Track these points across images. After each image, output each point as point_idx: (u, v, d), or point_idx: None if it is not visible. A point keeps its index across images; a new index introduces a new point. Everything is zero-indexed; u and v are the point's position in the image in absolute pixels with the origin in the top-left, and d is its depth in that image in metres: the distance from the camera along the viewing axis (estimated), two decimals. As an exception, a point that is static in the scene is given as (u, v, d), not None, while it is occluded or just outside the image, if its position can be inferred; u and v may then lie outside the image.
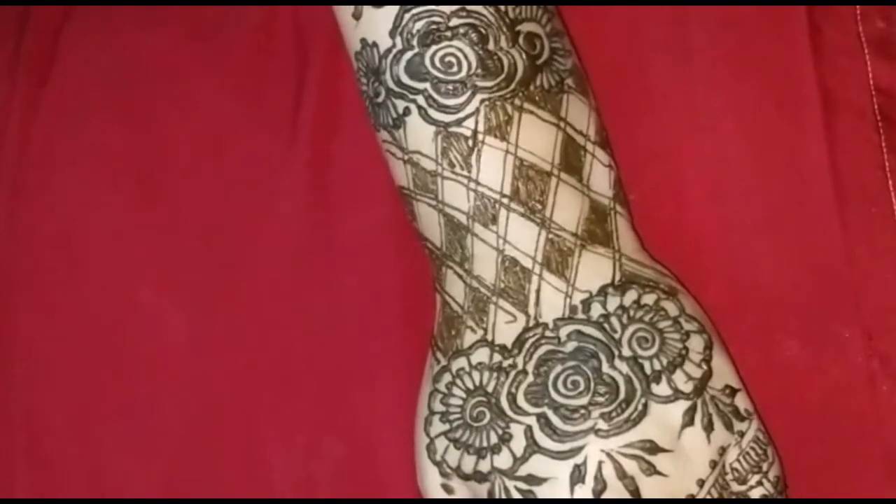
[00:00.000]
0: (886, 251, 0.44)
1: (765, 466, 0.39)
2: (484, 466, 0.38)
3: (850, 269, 0.44)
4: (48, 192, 0.48)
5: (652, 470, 0.37)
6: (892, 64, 0.46)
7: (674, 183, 0.46)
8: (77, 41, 0.49)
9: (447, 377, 0.40)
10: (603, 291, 0.39)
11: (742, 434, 0.39)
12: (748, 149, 0.46)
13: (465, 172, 0.39)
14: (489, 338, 0.39)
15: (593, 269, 0.39)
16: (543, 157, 0.39)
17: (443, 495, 0.40)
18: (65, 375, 0.47)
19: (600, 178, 0.41)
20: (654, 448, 0.37)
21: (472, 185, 0.39)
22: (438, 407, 0.39)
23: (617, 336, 0.38)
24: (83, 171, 0.48)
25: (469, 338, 0.39)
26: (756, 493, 0.39)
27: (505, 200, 0.39)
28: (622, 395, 0.37)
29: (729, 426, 0.38)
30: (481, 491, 0.39)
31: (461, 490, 0.40)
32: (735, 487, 0.39)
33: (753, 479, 0.39)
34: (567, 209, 0.39)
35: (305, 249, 0.47)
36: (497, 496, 0.38)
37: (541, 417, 0.37)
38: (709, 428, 0.38)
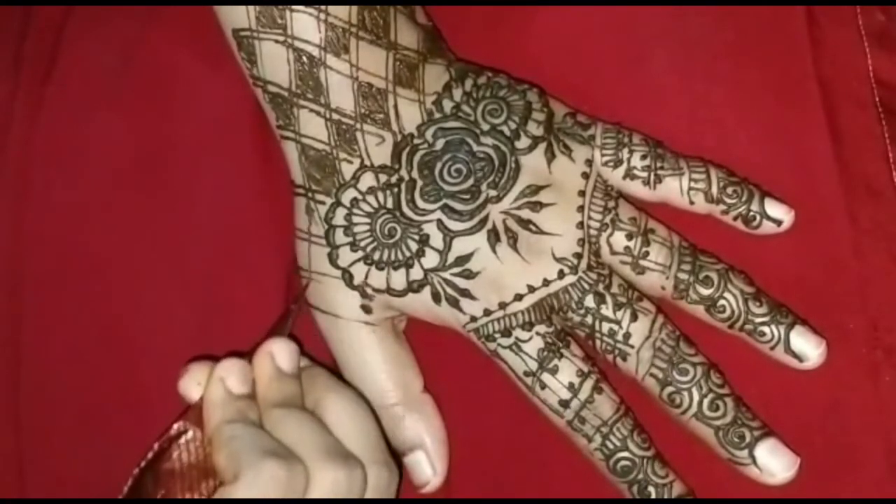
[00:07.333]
0: (892, 241, 0.45)
1: (625, 152, 0.44)
2: (416, 274, 0.43)
3: (856, 260, 0.44)
4: (53, 189, 0.48)
5: (540, 205, 0.43)
6: (892, 56, 0.47)
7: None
8: (79, 39, 0.49)
9: (342, 211, 0.43)
10: (447, 87, 0.44)
11: (593, 137, 0.44)
12: (750, 141, 0.46)
13: (314, 5, 0.42)
14: (367, 163, 0.43)
15: (435, 76, 0.44)
16: None
17: (363, 315, 0.44)
18: (73, 372, 0.47)
19: (422, 13, 0.46)
20: (535, 189, 0.43)
21: (323, 16, 0.42)
22: (342, 239, 0.43)
23: (472, 118, 0.44)
24: (88, 169, 0.48)
25: (348, 169, 0.43)
26: (627, 171, 0.44)
27: (353, 29, 0.42)
28: (497, 163, 0.43)
29: (584, 141, 0.44)
30: (411, 303, 0.43)
31: (379, 309, 0.44)
32: (609, 174, 0.44)
33: (622, 168, 0.44)
34: (406, 34, 0.44)
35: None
36: (440, 293, 0.43)
37: (444, 209, 0.43)
38: (567, 151, 0.44)
